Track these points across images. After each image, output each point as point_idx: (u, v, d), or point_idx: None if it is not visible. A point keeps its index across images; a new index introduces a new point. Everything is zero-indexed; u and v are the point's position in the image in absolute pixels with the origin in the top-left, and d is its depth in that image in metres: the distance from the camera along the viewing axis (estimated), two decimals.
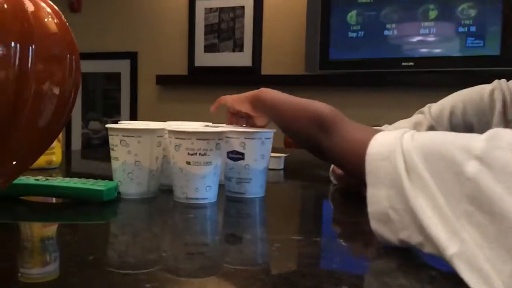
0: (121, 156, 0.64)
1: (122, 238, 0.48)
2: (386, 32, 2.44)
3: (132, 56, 3.00)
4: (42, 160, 0.89)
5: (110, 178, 0.66)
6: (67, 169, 0.95)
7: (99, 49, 3.05)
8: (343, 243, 0.50)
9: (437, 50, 2.35)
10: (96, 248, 0.44)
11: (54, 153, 0.91)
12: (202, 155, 0.62)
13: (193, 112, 2.69)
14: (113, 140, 0.65)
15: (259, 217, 0.60)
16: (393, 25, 2.43)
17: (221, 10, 2.86)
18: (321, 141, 0.53)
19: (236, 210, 0.61)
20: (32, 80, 0.34)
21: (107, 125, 0.65)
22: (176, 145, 0.62)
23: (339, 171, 0.72)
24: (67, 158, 1.13)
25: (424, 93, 2.30)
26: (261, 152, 0.67)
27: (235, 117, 0.70)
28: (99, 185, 0.60)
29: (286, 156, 0.99)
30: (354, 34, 2.51)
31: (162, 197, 0.67)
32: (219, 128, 0.64)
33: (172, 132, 0.63)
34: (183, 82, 2.89)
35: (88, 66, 3.07)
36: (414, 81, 2.42)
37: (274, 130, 0.68)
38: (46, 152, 0.87)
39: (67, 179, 0.63)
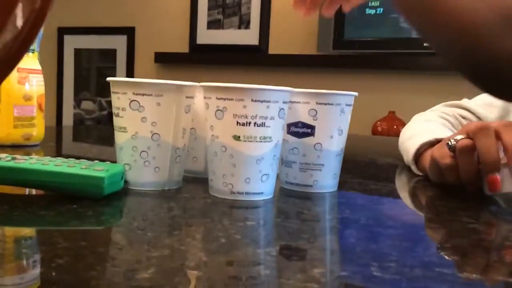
0: (130, 125, 0.42)
1: (131, 253, 0.26)
2: None
3: (129, 32, 2.79)
4: (16, 134, 0.66)
5: (112, 160, 0.44)
6: (51, 147, 0.72)
7: (94, 23, 2.82)
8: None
9: None
10: (91, 268, 0.23)
11: (34, 126, 0.68)
12: (259, 125, 0.40)
13: None
14: (119, 101, 0.42)
15: (341, 224, 0.38)
16: None
17: None
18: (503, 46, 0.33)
19: (306, 212, 0.39)
20: None
21: (109, 78, 0.42)
22: (219, 110, 0.40)
23: (446, 160, 0.50)
24: (52, 134, 0.91)
25: (450, 76, 2.09)
26: (338, 125, 0.45)
27: None
28: (96, 169, 0.38)
29: None
30: (372, 11, 2.29)
31: (189, 189, 0.45)
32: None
33: (212, 89, 0.40)
34: (184, 61, 2.68)
35: (82, 42, 2.86)
36: (438, 63, 2.20)
37: (356, 93, 0.46)
38: (23, 123, 0.64)
39: (46, 159, 0.40)
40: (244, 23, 2.60)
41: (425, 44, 2.19)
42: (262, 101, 0.39)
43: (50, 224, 0.33)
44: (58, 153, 0.69)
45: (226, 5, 2.64)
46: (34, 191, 0.41)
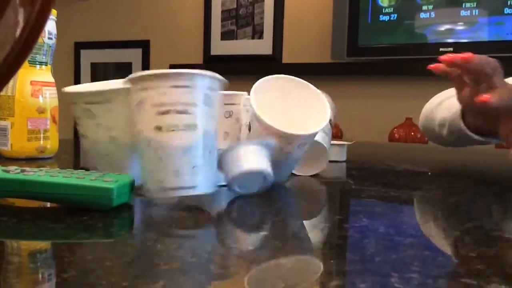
0: (90, 132, 0.43)
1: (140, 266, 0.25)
2: (422, 15, 2.20)
3: (144, 45, 2.82)
4: (31, 147, 0.66)
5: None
6: (65, 160, 0.72)
7: (109, 37, 2.86)
8: None
9: (480, 34, 2.10)
10: (97, 283, 0.21)
11: (48, 138, 0.68)
12: (180, 112, 0.38)
13: None
14: (76, 110, 0.44)
15: (359, 233, 0.36)
16: (430, 7, 2.19)
17: None
18: None
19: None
20: None
21: (63, 89, 0.43)
22: (138, 102, 0.38)
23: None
24: (67, 146, 0.91)
25: None
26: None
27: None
28: (105, 180, 0.38)
29: (349, 145, 0.76)
30: (386, 18, 2.28)
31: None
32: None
33: (130, 79, 0.39)
34: None
35: (98, 56, 2.90)
36: None
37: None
38: (37, 136, 0.64)
39: (56, 170, 0.40)
40: (258, 33, 2.60)
41: (441, 50, 2.16)
42: (182, 86, 0.37)
43: (59, 237, 0.32)
44: (72, 165, 0.69)
45: (239, 16, 2.65)
46: (48, 204, 0.40)
